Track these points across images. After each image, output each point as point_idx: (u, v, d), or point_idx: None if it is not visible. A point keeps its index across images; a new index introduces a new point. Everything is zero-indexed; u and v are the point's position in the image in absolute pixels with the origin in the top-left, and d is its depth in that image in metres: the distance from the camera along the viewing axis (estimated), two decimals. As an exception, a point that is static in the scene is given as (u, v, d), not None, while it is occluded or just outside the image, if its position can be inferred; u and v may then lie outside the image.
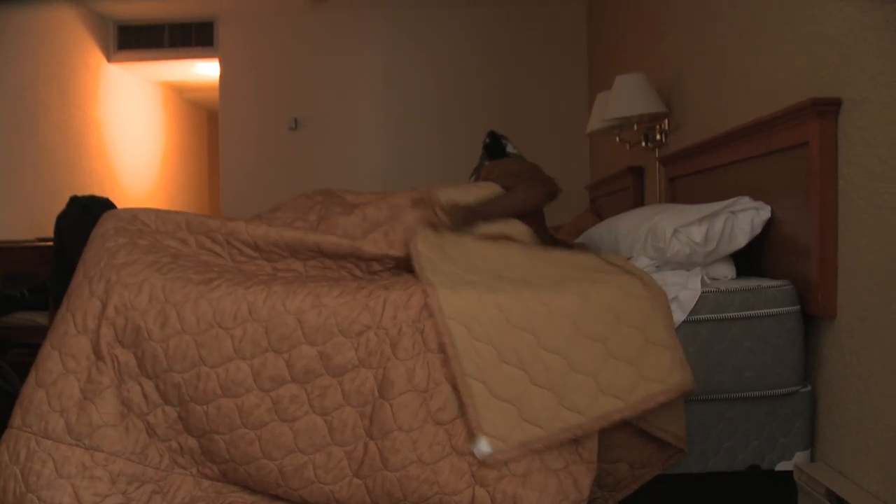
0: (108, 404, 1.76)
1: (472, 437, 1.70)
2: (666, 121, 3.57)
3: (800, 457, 2.07)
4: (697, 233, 2.21)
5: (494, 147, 3.08)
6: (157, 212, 2.12)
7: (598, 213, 4.52)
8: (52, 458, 1.74)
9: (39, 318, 3.78)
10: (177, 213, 2.13)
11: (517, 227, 2.34)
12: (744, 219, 2.24)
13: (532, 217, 2.61)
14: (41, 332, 3.75)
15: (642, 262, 2.39)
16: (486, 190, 2.46)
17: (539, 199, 2.56)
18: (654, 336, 1.82)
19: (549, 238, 2.61)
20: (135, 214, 2.09)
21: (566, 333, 1.78)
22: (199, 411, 1.82)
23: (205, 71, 6.72)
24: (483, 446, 1.68)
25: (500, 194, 2.49)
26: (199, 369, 1.82)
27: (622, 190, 4.30)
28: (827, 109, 1.97)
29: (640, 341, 1.81)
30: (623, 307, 1.83)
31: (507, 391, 1.74)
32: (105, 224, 2.05)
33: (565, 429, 1.72)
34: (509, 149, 3.07)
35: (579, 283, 1.87)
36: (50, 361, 1.85)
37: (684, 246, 2.23)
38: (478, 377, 1.73)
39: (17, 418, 1.81)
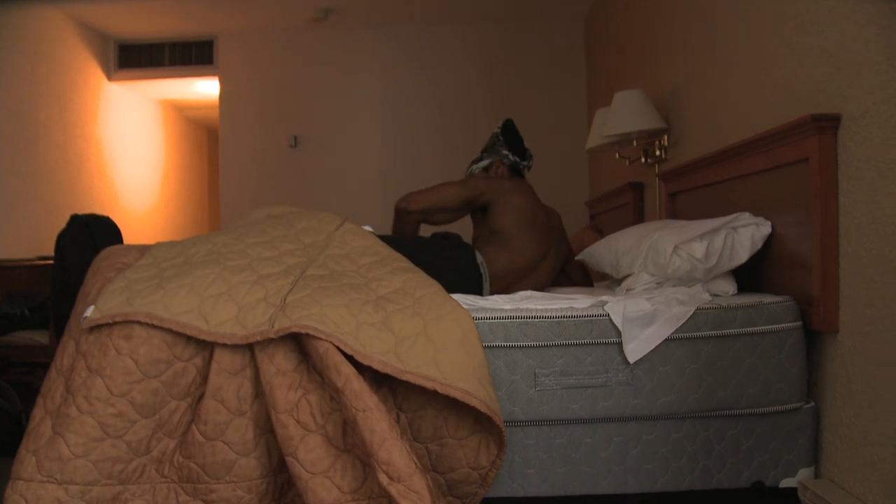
0: (77, 436, 1.73)
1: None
2: (665, 137, 3.59)
3: (804, 473, 2.06)
4: (698, 249, 2.21)
5: (514, 137, 3.03)
6: (139, 248, 2.15)
7: (599, 229, 4.51)
8: (24, 499, 1.71)
9: (40, 336, 3.77)
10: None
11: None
12: (744, 234, 2.24)
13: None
14: (41, 351, 3.75)
15: (643, 279, 2.39)
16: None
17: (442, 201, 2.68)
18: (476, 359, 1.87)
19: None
20: (119, 251, 2.12)
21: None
22: (184, 406, 1.83)
23: (205, 89, 6.75)
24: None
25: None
26: (175, 366, 1.82)
27: (622, 206, 4.30)
28: (826, 125, 1.97)
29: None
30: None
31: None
32: (94, 264, 2.08)
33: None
34: (525, 144, 3.06)
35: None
36: (36, 409, 1.84)
37: (685, 262, 2.24)
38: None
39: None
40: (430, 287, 2.02)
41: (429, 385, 1.76)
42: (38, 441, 1.77)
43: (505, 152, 2.99)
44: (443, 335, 1.85)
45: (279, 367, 1.79)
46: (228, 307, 1.85)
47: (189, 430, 1.82)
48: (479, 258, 2.55)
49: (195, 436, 1.80)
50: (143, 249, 2.14)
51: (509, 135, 3.03)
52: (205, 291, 1.87)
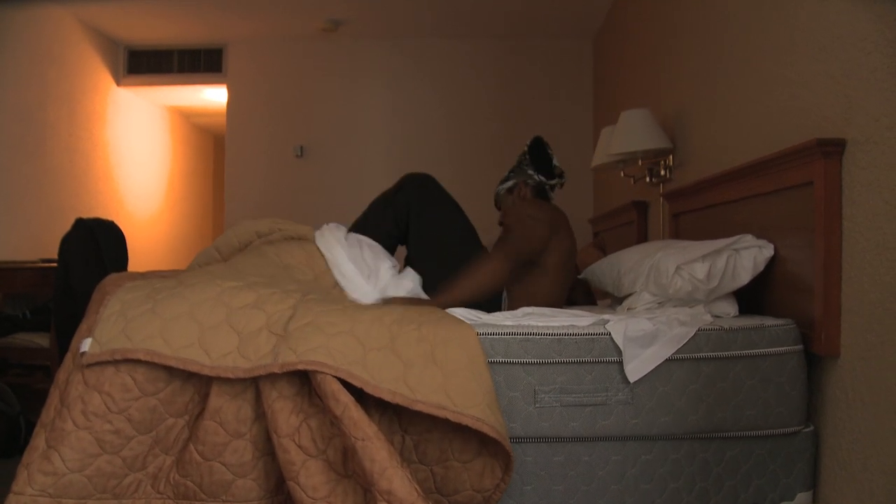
0: (73, 451, 1.72)
1: None
2: (670, 156, 3.59)
3: (802, 497, 2.05)
4: (700, 270, 2.21)
5: (541, 155, 2.90)
6: (142, 275, 2.15)
7: (602, 246, 4.52)
8: None
9: (40, 339, 3.78)
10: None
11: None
12: (746, 256, 2.24)
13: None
14: (41, 354, 3.76)
15: (644, 298, 2.39)
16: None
17: (500, 277, 2.44)
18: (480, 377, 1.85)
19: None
20: (120, 279, 2.10)
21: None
22: (181, 423, 1.83)
23: (212, 96, 6.78)
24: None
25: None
26: (174, 384, 1.81)
27: (626, 224, 4.31)
28: (831, 150, 1.98)
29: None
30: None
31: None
32: (96, 293, 2.05)
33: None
34: (555, 161, 2.92)
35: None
36: (36, 426, 1.83)
37: (686, 283, 2.24)
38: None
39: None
40: (432, 314, 2.02)
41: (440, 414, 1.75)
42: (31, 454, 1.75)
43: (530, 172, 2.89)
44: (451, 361, 1.84)
45: (281, 392, 1.78)
46: (229, 337, 1.82)
47: (186, 449, 1.81)
48: (504, 295, 2.54)
49: (192, 455, 1.79)
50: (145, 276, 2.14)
51: (536, 153, 2.92)
52: (205, 320, 1.84)
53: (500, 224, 2.95)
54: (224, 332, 1.83)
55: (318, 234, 2.42)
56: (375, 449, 1.67)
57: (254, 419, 1.81)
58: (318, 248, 2.35)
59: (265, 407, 1.78)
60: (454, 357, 1.85)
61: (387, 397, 1.75)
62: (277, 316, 1.86)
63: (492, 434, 1.75)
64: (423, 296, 2.40)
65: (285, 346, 1.79)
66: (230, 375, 1.77)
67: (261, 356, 1.78)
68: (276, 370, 1.75)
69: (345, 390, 1.73)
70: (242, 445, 1.80)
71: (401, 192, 2.66)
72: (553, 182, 2.92)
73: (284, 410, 1.76)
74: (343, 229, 2.50)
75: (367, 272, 2.35)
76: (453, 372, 1.82)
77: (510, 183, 2.93)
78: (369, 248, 2.45)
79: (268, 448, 1.81)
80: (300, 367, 1.74)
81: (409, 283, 2.39)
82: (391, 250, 2.59)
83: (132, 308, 1.85)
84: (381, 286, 2.32)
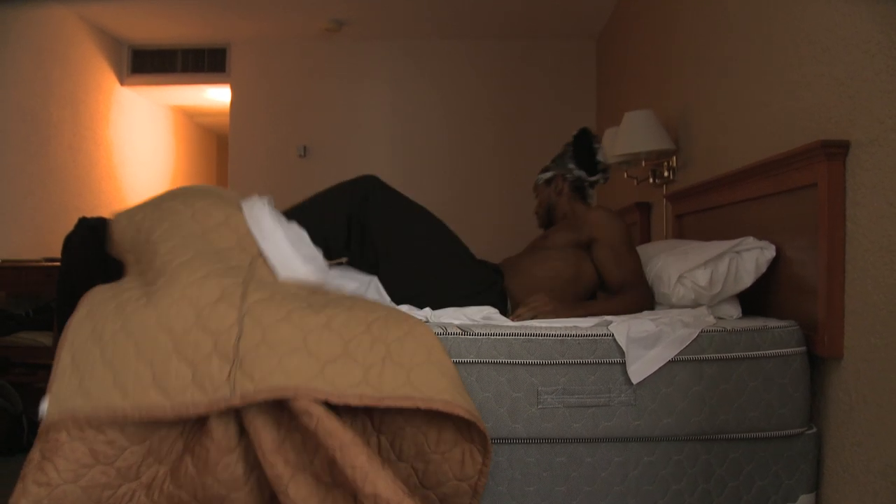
0: (67, 461, 1.70)
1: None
2: (674, 158, 3.59)
3: (805, 499, 2.05)
4: (702, 277, 2.22)
5: (584, 148, 2.81)
6: None
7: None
8: None
9: (43, 338, 3.79)
10: None
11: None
12: (748, 258, 2.24)
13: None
14: (43, 353, 3.76)
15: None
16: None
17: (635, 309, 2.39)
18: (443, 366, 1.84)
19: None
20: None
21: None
22: (174, 433, 1.81)
23: (216, 96, 6.78)
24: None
25: (599, 301, 2.42)
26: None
27: (629, 225, 4.30)
28: (835, 151, 1.98)
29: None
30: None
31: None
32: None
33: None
34: (599, 156, 2.82)
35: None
36: (35, 437, 1.79)
37: (689, 291, 2.25)
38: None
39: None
40: (377, 311, 1.95)
41: (409, 404, 1.73)
42: (27, 465, 1.73)
43: (570, 165, 2.80)
44: (408, 356, 1.81)
45: (260, 407, 1.75)
46: (181, 369, 1.75)
47: (182, 461, 1.80)
48: (509, 305, 2.53)
49: (187, 468, 1.78)
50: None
51: (580, 145, 2.82)
52: (152, 355, 1.75)
53: (536, 213, 2.91)
54: (174, 365, 1.75)
55: (243, 201, 2.20)
56: (354, 455, 1.66)
57: (241, 434, 1.79)
58: (236, 209, 2.16)
59: (246, 424, 1.75)
60: (411, 352, 1.82)
61: (354, 402, 1.72)
62: (225, 336, 1.78)
63: (464, 415, 1.74)
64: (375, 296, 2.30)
65: (240, 372, 1.73)
66: (192, 412, 1.72)
67: (216, 386, 1.72)
68: (237, 403, 1.70)
69: (315, 403, 1.71)
70: (233, 461, 1.77)
71: (357, 189, 2.50)
72: (594, 178, 2.83)
73: (266, 425, 1.74)
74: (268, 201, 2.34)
75: (295, 240, 2.14)
76: (414, 366, 1.80)
77: (549, 174, 2.85)
78: (293, 226, 2.23)
79: (258, 461, 1.79)
80: (260, 397, 1.70)
81: (353, 284, 2.25)
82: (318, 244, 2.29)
83: (83, 355, 1.77)
84: (328, 276, 2.15)
